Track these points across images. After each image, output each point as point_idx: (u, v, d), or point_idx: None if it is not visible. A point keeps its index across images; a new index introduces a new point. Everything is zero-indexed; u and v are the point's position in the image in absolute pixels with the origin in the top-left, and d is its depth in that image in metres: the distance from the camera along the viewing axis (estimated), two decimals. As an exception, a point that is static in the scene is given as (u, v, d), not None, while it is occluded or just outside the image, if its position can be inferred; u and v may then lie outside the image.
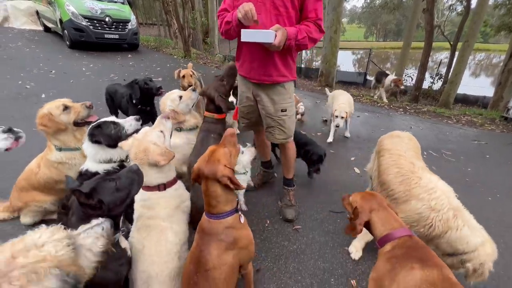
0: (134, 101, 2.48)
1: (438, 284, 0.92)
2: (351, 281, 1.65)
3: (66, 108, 1.59)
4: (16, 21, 9.98)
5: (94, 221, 0.91)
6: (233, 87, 1.90)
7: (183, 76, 3.10)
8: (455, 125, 4.94)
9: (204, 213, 1.20)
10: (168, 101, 1.98)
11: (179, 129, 2.02)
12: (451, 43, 10.53)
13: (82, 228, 0.88)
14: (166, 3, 9.69)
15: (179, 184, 1.43)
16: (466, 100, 10.09)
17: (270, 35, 1.36)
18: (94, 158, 1.49)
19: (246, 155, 1.89)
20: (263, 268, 1.71)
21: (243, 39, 1.42)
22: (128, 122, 1.55)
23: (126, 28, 7.88)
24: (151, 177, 1.28)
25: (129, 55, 7.82)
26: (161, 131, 1.37)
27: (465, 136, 4.28)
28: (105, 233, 0.90)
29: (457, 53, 8.21)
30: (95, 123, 1.51)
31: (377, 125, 4.44)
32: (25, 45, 7.19)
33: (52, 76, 5.10)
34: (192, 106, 2.07)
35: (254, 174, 2.45)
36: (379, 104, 5.96)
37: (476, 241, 1.34)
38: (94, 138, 1.46)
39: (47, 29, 9.25)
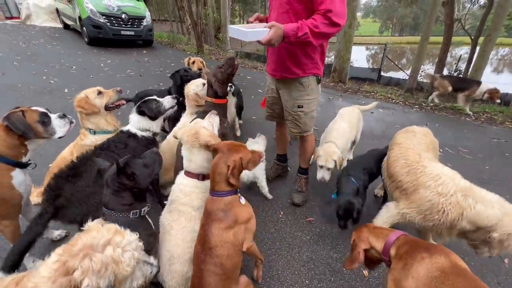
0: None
1: (447, 270, 0.95)
2: (363, 271, 1.69)
3: (100, 92, 1.85)
4: (37, 19, 10.40)
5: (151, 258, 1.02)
6: (230, 75, 1.96)
7: (193, 62, 3.45)
8: (473, 122, 4.80)
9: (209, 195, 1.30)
10: (193, 85, 2.21)
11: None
12: (472, 37, 10.11)
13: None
14: (179, 0, 9.82)
15: None
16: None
17: (258, 34, 1.38)
18: (136, 125, 1.76)
19: (259, 144, 2.13)
20: (277, 256, 1.77)
21: (231, 35, 1.49)
22: (166, 100, 1.86)
23: (142, 24, 8.06)
24: (196, 163, 1.40)
25: (144, 51, 8.00)
26: (210, 122, 1.53)
27: (484, 134, 4.15)
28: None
29: (478, 48, 7.88)
30: (142, 100, 1.80)
31: (392, 122, 4.38)
32: (47, 42, 7.50)
33: (73, 71, 5.32)
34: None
35: (269, 167, 2.52)
36: (393, 101, 5.85)
37: (496, 213, 1.36)
38: (140, 109, 1.75)
39: (66, 26, 9.59)
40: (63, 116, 1.49)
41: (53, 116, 1.44)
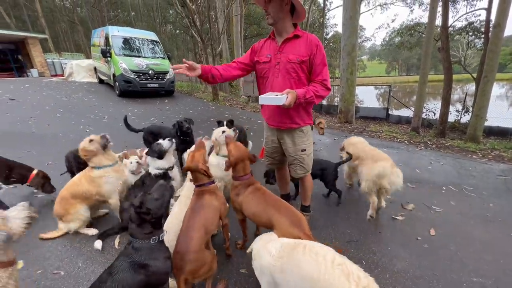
0: (178, 134, 3.31)
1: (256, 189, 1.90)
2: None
3: (91, 140, 2.27)
4: (77, 76, 12.08)
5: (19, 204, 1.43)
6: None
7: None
8: (480, 160, 4.85)
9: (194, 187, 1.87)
10: (215, 133, 2.70)
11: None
12: (474, 77, 10.53)
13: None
14: (199, 55, 11.20)
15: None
16: (505, 133, 9.64)
17: (281, 99, 1.74)
18: (153, 166, 2.30)
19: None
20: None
21: (260, 102, 1.87)
22: (165, 142, 2.34)
23: (165, 78, 9.21)
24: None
25: (166, 100, 8.97)
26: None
27: (490, 171, 4.20)
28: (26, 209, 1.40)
29: (480, 87, 8.21)
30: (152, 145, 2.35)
31: (395, 160, 4.50)
32: (84, 95, 8.66)
33: (105, 121, 6.09)
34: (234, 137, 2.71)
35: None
36: (398, 140, 6.06)
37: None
38: (148, 154, 2.29)
39: (101, 81, 11.05)
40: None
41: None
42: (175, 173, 2.47)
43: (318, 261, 1.19)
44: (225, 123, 3.04)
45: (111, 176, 2.31)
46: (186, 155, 2.43)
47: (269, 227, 1.74)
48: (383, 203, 2.75)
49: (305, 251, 1.28)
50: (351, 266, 1.15)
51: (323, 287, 1.12)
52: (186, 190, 2.08)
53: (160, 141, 2.35)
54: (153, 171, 2.30)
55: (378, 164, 2.54)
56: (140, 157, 2.86)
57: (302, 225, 1.64)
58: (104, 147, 2.32)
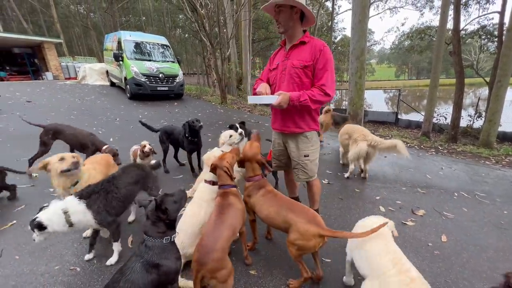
0: (186, 135, 3.39)
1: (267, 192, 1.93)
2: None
3: (62, 158, 2.10)
4: (90, 79, 12.43)
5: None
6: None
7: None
8: (493, 166, 4.74)
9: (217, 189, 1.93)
10: (222, 136, 2.81)
11: None
12: (487, 81, 10.31)
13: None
14: (208, 59, 11.36)
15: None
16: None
17: (271, 98, 1.85)
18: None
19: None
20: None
21: (249, 102, 1.96)
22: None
23: (175, 81, 9.38)
24: (210, 174, 2.04)
25: (175, 103, 9.11)
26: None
27: (504, 178, 4.10)
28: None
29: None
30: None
31: (405, 165, 4.50)
32: (97, 98, 8.90)
33: (117, 123, 6.25)
34: (239, 142, 2.82)
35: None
36: (408, 145, 5.98)
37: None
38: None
39: (112, 84, 11.33)
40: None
41: None
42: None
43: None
44: (238, 125, 3.08)
45: None
46: (206, 156, 2.41)
47: (284, 229, 1.77)
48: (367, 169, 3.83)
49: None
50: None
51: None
52: (199, 192, 2.11)
53: None
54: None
55: (359, 144, 3.59)
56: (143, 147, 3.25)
57: (318, 221, 1.68)
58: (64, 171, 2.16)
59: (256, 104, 10.89)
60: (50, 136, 3.40)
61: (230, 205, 1.76)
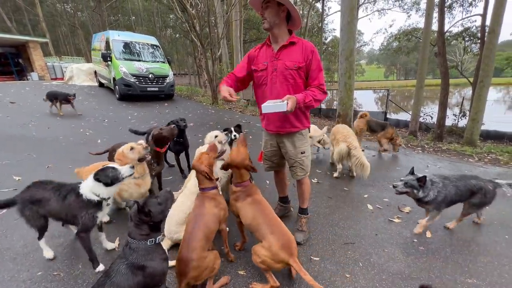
0: None
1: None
2: (359, 307, 1.81)
3: (132, 148, 2.24)
4: (78, 79, 12.16)
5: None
6: (165, 138, 2.70)
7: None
8: (476, 163, 4.90)
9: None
10: (208, 136, 2.84)
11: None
12: (471, 81, 10.66)
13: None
14: (199, 59, 11.30)
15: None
16: (502, 137, 9.67)
17: (283, 106, 1.77)
18: (90, 189, 1.85)
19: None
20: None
21: (264, 111, 1.85)
22: (125, 169, 1.89)
23: (165, 82, 9.28)
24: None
25: (166, 104, 9.02)
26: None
27: (485, 175, 4.24)
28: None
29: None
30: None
31: (392, 163, 4.60)
32: (85, 99, 8.70)
33: (105, 124, 6.13)
34: (225, 142, 2.76)
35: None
36: (396, 143, 6.10)
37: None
38: (98, 177, 1.84)
39: (101, 85, 11.12)
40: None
41: None
42: (105, 209, 1.93)
43: None
44: (233, 128, 3.08)
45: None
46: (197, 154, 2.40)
47: (260, 241, 1.79)
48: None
49: None
50: None
51: None
52: (191, 185, 2.16)
53: (118, 166, 1.88)
54: (88, 194, 1.80)
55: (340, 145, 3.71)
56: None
57: (292, 248, 1.70)
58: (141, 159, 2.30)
59: (247, 105, 10.91)
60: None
61: (203, 214, 1.76)
